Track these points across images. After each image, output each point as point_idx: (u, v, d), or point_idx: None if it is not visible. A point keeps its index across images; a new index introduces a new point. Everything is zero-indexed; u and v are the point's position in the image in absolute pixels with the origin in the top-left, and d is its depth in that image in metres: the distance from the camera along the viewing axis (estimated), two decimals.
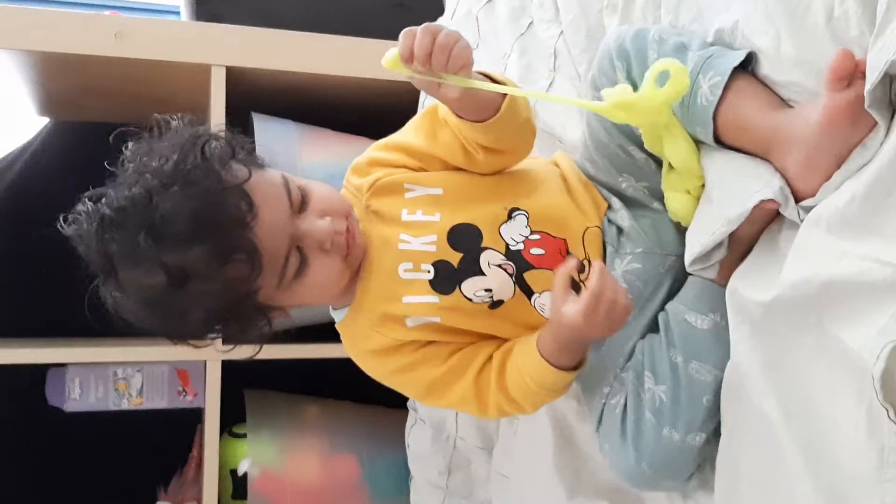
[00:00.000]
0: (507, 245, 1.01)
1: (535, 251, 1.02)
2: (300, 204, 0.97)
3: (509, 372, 1.00)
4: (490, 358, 1.02)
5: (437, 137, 1.04)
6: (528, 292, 1.02)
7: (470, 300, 1.01)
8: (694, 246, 0.92)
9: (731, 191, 0.88)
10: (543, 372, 0.96)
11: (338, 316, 1.07)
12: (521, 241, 1.02)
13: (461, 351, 1.03)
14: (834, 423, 0.71)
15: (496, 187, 1.05)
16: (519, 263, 1.01)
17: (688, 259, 0.93)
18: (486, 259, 1.01)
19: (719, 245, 0.90)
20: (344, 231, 0.98)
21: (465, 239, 1.01)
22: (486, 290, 1.01)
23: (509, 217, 1.03)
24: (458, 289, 1.00)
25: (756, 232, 0.89)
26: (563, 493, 1.19)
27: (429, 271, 1.00)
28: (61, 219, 0.94)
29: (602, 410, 1.01)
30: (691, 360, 0.93)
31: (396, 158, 1.07)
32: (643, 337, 1.00)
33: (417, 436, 1.71)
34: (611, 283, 0.90)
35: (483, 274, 1.01)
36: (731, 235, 0.88)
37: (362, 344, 1.05)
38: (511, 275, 1.01)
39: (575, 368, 0.97)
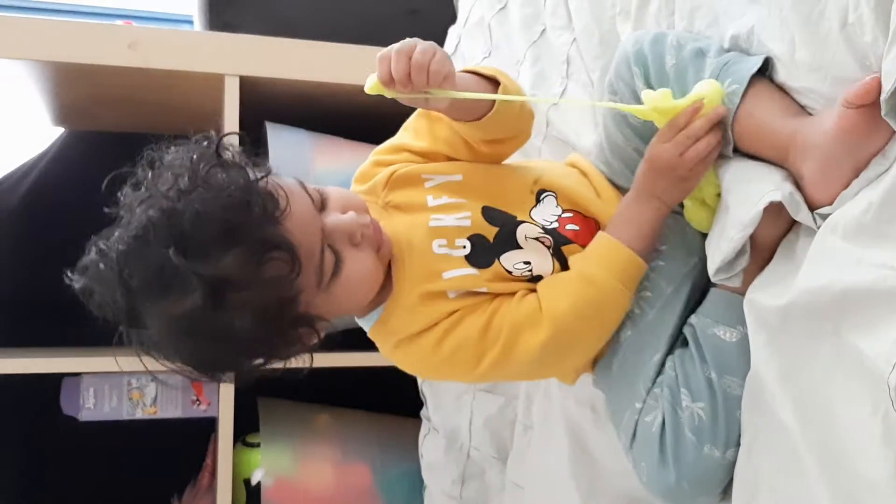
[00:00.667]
0: (543, 225, 1.01)
1: (571, 227, 1.02)
2: (321, 203, 0.95)
3: (565, 273, 0.98)
4: (534, 289, 1.00)
5: (437, 134, 1.05)
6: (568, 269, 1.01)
7: (510, 273, 0.99)
8: (715, 255, 0.91)
9: (744, 197, 0.87)
10: (616, 253, 0.96)
11: (367, 323, 1.04)
12: (556, 220, 1.02)
13: (502, 295, 1.00)
14: (850, 431, 0.70)
15: (515, 169, 1.06)
16: (556, 238, 1.01)
17: (711, 269, 0.92)
18: (522, 233, 1.00)
19: (742, 252, 0.88)
20: (369, 223, 0.96)
21: (501, 215, 1.01)
22: (525, 263, 1.00)
23: (538, 201, 1.03)
24: (497, 261, 0.99)
25: (776, 237, 0.89)
26: (579, 502, 1.18)
27: (464, 247, 0.99)
28: (69, 272, 0.88)
29: (635, 427, 0.98)
30: (724, 375, 0.91)
31: (402, 158, 1.06)
32: (669, 350, 0.99)
33: (431, 445, 1.71)
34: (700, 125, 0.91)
35: (520, 248, 1.00)
36: (752, 242, 0.88)
37: (403, 331, 1.00)
38: (549, 247, 1.00)
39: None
